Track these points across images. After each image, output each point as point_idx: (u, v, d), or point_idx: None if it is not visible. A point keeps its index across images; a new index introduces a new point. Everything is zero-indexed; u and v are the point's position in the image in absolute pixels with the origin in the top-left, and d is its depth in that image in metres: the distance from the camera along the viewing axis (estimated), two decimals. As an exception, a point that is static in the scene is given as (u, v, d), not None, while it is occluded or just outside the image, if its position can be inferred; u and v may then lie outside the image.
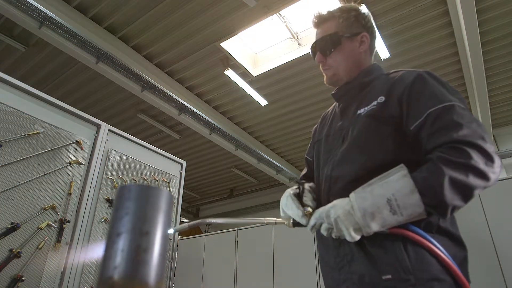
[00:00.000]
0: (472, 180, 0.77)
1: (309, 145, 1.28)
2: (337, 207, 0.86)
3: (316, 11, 1.14)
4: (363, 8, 1.16)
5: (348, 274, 0.91)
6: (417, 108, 0.89)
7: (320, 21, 1.13)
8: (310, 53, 1.17)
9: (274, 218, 0.99)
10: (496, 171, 0.79)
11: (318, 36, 1.13)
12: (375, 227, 0.80)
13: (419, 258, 0.81)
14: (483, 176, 0.77)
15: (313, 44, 1.15)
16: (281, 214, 1.03)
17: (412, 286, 0.78)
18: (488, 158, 0.78)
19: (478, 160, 0.77)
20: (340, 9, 1.12)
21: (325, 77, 1.14)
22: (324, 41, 1.10)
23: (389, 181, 0.82)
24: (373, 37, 1.13)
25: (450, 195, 0.76)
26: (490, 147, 0.79)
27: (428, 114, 0.86)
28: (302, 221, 0.94)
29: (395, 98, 0.95)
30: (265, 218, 0.99)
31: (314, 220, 0.90)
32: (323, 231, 0.88)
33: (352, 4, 1.17)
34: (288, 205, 0.99)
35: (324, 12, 1.13)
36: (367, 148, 0.95)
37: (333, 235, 0.86)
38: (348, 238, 0.83)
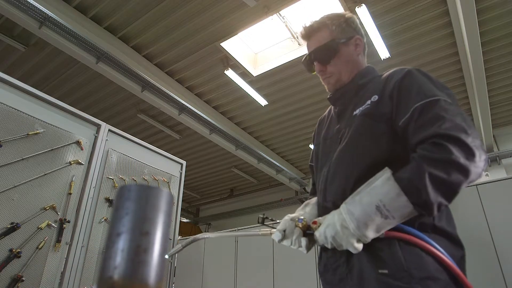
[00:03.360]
0: (454, 176, 0.77)
1: (312, 152, 1.28)
2: (330, 226, 0.87)
3: (304, 23, 1.14)
4: (348, 13, 1.17)
5: (344, 273, 0.92)
6: (405, 103, 0.90)
7: (312, 31, 1.13)
8: (304, 65, 1.16)
9: (269, 229, 0.99)
10: (478, 165, 0.78)
11: (311, 47, 1.13)
12: (371, 234, 0.82)
13: (414, 256, 0.81)
14: (464, 171, 0.77)
15: (306, 56, 1.14)
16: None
17: (406, 284, 0.79)
18: (469, 152, 0.78)
19: (458, 155, 0.77)
20: (328, 17, 1.13)
21: (326, 85, 1.14)
22: (322, 50, 1.10)
23: (375, 187, 0.83)
24: (363, 37, 1.15)
25: (433, 194, 0.77)
26: (472, 141, 0.78)
27: (414, 109, 0.87)
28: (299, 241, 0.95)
29: (386, 96, 0.96)
30: (260, 230, 0.99)
31: (320, 241, 0.90)
32: (323, 241, 0.90)
33: (337, 12, 1.17)
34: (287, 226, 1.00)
35: (313, 23, 1.13)
36: (361, 147, 0.96)
37: (338, 248, 0.87)
38: (352, 250, 0.84)
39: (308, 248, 0.96)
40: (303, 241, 0.94)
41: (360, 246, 0.83)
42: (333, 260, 0.96)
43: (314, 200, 1.14)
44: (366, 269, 0.86)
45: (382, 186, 0.82)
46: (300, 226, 0.94)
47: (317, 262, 3.43)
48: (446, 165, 0.77)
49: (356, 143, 0.97)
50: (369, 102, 0.99)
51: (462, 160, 0.76)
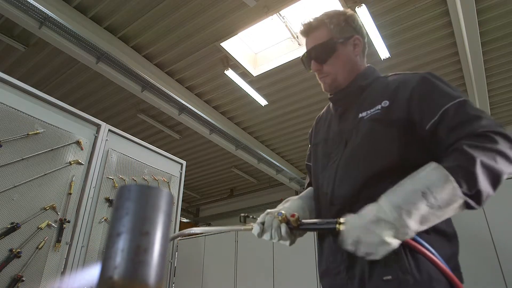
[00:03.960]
0: (501, 165, 0.77)
1: (308, 151, 1.27)
2: (360, 218, 0.78)
3: (303, 20, 1.13)
4: (349, 11, 1.15)
5: (345, 279, 0.91)
6: (430, 107, 0.90)
7: (310, 29, 1.12)
8: (303, 62, 1.15)
9: (251, 225, 0.99)
10: None
11: (309, 45, 1.12)
12: (414, 225, 0.74)
13: (416, 259, 0.81)
14: (510, 160, 0.79)
15: (305, 54, 1.13)
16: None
17: (411, 287, 0.79)
18: None
19: (504, 145, 0.79)
20: (328, 15, 1.11)
21: (323, 85, 1.13)
22: (319, 48, 1.08)
23: (420, 177, 0.78)
24: (363, 38, 1.13)
25: (484, 181, 0.76)
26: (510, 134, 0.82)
27: (444, 110, 0.87)
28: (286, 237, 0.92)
29: (401, 101, 0.95)
30: (243, 225, 0.99)
31: (345, 240, 0.79)
32: (349, 242, 0.79)
33: (338, 9, 1.16)
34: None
35: (312, 20, 1.11)
36: (373, 151, 0.95)
37: (363, 249, 0.77)
38: (381, 251, 0.74)
39: (291, 240, 0.94)
40: (283, 227, 0.90)
41: (395, 243, 0.73)
42: (334, 266, 0.95)
43: (295, 197, 1.15)
44: (367, 277, 0.85)
45: (428, 174, 0.78)
46: (280, 219, 0.92)
47: (317, 262, 3.42)
48: (494, 154, 0.78)
49: (367, 148, 0.96)
50: (379, 107, 0.98)
51: (508, 150, 0.79)
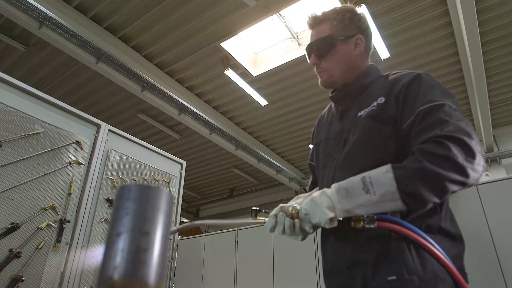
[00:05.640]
0: (448, 173, 0.75)
1: (311, 150, 1.27)
2: (313, 193, 0.90)
3: (310, 13, 1.12)
4: (358, 9, 1.14)
5: (349, 279, 0.90)
6: (410, 107, 0.90)
7: (315, 23, 1.12)
8: (306, 54, 1.16)
9: (264, 218, 0.98)
10: (476, 169, 0.77)
11: (312, 38, 1.12)
12: (346, 204, 0.82)
13: (422, 258, 0.81)
14: (461, 170, 0.75)
15: (307, 46, 1.13)
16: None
17: (416, 287, 0.78)
18: (469, 154, 0.76)
19: (457, 154, 0.75)
20: (334, 10, 1.10)
21: (319, 79, 1.13)
22: (318, 43, 1.08)
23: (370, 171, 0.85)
24: (368, 38, 1.11)
25: (422, 185, 0.76)
26: (475, 145, 0.78)
27: (418, 112, 0.87)
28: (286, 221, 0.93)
29: (393, 97, 0.95)
30: (255, 219, 0.99)
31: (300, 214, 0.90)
32: (303, 216, 0.88)
33: (348, 5, 1.15)
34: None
35: (319, 13, 1.11)
36: (368, 150, 0.95)
37: (312, 220, 0.86)
38: (323, 220, 0.82)
39: (303, 235, 0.94)
40: (297, 223, 0.91)
41: (331, 214, 0.81)
42: (337, 265, 0.95)
43: (306, 194, 1.14)
44: (371, 277, 0.85)
45: (378, 168, 0.82)
46: (294, 212, 0.92)
47: (317, 263, 3.40)
48: (442, 161, 0.76)
49: (363, 146, 0.96)
50: (375, 104, 0.98)
51: (460, 159, 0.75)
